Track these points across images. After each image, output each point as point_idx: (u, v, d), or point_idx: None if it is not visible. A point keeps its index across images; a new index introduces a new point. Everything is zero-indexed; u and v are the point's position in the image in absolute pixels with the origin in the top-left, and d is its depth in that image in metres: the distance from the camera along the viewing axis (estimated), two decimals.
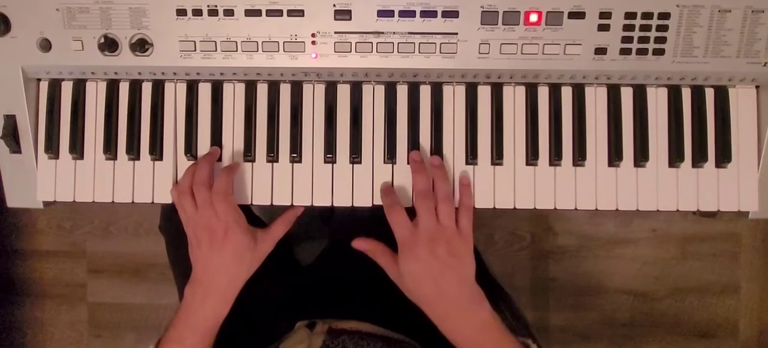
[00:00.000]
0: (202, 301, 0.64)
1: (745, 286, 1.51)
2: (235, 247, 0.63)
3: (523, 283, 1.52)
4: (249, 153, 0.67)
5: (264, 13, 0.63)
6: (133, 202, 0.68)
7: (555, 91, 0.67)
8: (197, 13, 0.63)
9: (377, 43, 0.63)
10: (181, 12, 0.63)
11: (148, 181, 0.68)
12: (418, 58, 0.64)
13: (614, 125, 0.67)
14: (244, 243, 0.63)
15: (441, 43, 0.63)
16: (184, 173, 0.65)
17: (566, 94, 0.67)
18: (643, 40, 0.63)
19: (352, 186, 0.67)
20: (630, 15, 0.62)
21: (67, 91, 0.68)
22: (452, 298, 0.61)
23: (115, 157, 0.68)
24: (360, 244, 0.67)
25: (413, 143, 0.67)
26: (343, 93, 0.68)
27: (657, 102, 0.67)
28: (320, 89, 0.68)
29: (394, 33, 0.63)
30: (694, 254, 1.50)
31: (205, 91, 0.68)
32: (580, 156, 0.67)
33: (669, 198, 0.67)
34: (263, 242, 0.66)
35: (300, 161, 0.68)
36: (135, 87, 0.68)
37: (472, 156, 0.67)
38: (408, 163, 0.67)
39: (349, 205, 0.67)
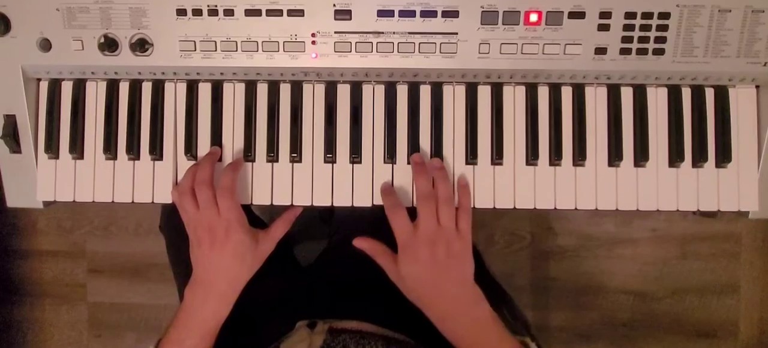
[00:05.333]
0: (202, 302, 0.64)
1: (745, 286, 1.51)
2: (236, 246, 0.63)
3: (523, 283, 1.52)
4: (249, 153, 0.67)
5: (264, 13, 0.63)
6: (133, 202, 0.68)
7: (555, 90, 0.67)
8: (197, 12, 0.63)
9: (377, 42, 0.63)
10: (181, 12, 0.63)
11: (148, 181, 0.68)
12: (418, 58, 0.64)
13: (614, 125, 0.67)
14: (245, 243, 0.63)
15: (441, 43, 0.63)
16: (185, 174, 0.65)
17: (566, 93, 0.67)
18: (643, 40, 0.63)
19: (352, 186, 0.67)
20: (630, 15, 0.62)
21: (67, 91, 0.68)
22: (451, 299, 0.62)
23: (115, 157, 0.68)
24: (361, 243, 0.67)
25: (413, 143, 0.67)
26: (343, 93, 0.68)
27: (657, 102, 0.67)
28: (320, 89, 0.68)
29: (394, 33, 0.63)
30: (694, 254, 1.50)
31: (205, 91, 0.68)
32: (580, 156, 0.67)
33: (669, 198, 0.67)
34: (264, 242, 0.66)
35: (300, 161, 0.68)
36: (135, 87, 0.68)
37: (472, 156, 0.67)
38: (408, 163, 0.67)
39: (349, 205, 0.67)
